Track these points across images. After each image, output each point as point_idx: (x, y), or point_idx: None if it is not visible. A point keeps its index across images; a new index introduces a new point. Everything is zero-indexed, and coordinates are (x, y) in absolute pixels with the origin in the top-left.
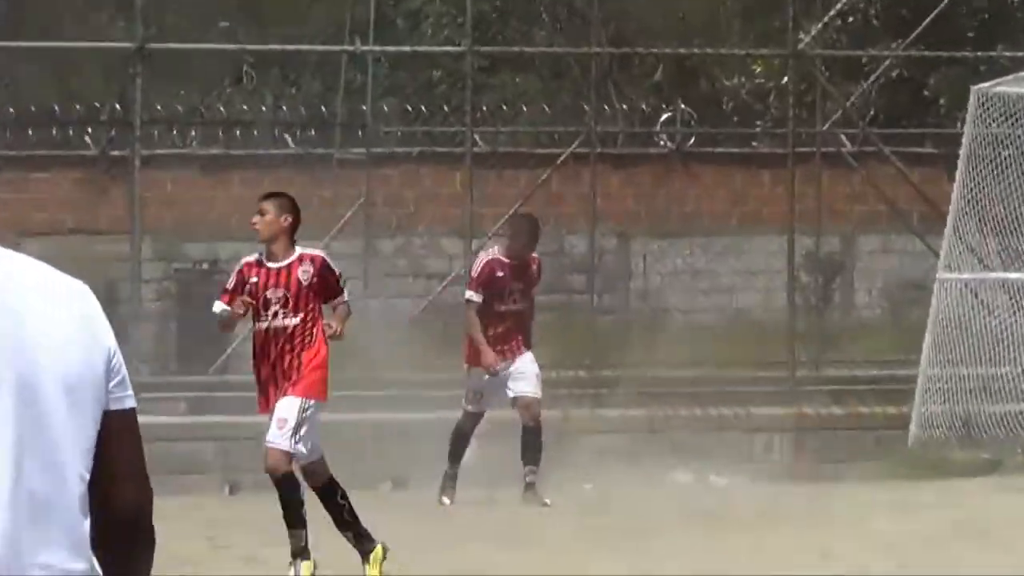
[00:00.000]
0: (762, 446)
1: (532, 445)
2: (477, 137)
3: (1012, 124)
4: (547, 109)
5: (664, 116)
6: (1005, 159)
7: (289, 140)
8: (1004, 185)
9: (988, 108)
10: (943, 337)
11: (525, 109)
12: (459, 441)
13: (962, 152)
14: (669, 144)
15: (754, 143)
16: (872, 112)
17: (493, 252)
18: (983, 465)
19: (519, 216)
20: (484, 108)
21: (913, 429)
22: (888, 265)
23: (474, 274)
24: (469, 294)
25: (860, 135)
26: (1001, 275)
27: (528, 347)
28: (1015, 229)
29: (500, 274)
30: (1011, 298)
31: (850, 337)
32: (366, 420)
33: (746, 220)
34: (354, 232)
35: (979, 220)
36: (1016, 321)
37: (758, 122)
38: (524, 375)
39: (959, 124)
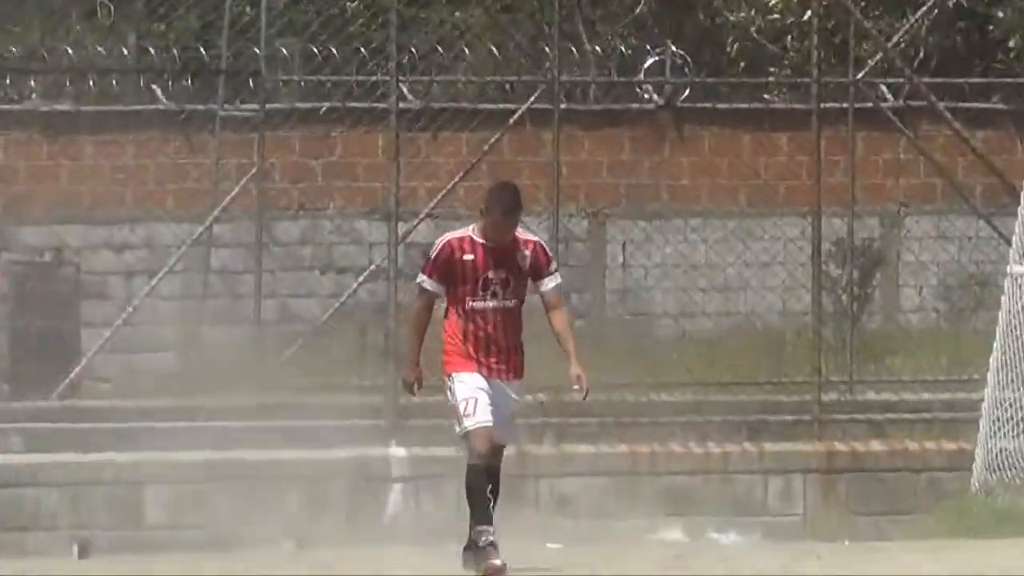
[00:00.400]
0: (779, 493)
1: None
2: (405, 89)
3: None
4: (496, 52)
5: (649, 61)
6: None
7: (158, 92)
8: None
9: None
10: (1017, 350)
11: (467, 52)
12: (475, 491)
13: None
14: (656, 98)
15: (767, 96)
16: (921, 56)
17: (469, 230)
18: None
19: (496, 186)
20: (413, 51)
21: (977, 470)
22: (943, 255)
23: (432, 253)
24: (420, 279)
25: (906, 86)
26: None
27: (519, 371)
28: None
29: (468, 257)
30: None
31: (894, 350)
32: (261, 459)
33: (758, 197)
34: (243, 212)
35: None
36: None
37: (772, 69)
38: (501, 413)
39: None
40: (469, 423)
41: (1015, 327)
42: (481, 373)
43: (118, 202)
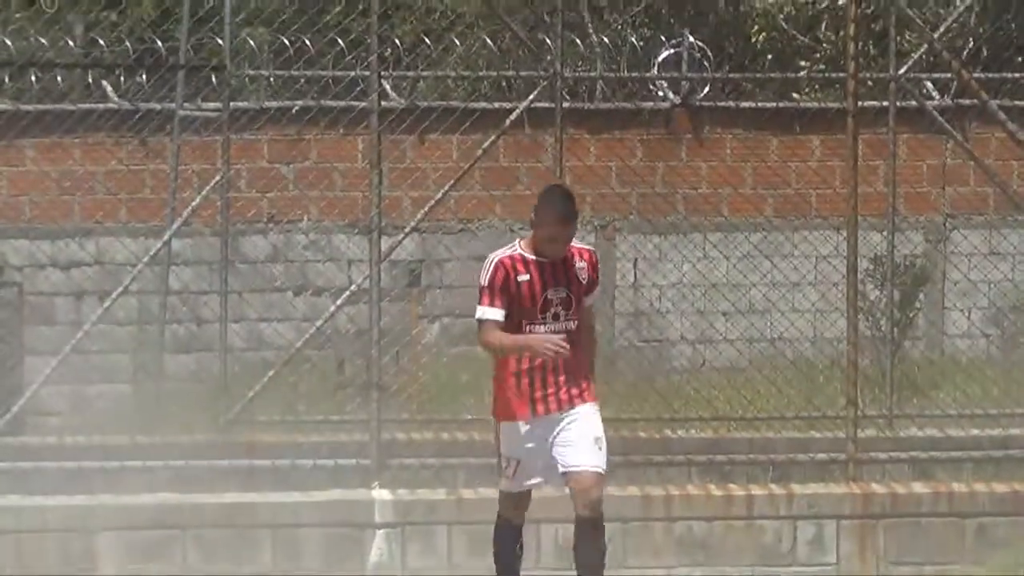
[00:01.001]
0: (809, 541)
1: (589, 549)
2: (387, 86)
3: None
4: (491, 44)
5: (664, 54)
6: None
7: (109, 89)
8: None
9: None
10: None
11: (458, 44)
12: (503, 553)
13: None
14: (671, 96)
15: (797, 94)
16: (971, 48)
17: (514, 247)
18: None
19: (548, 190)
20: (398, 43)
21: None
22: (995, 274)
23: (483, 281)
24: (482, 311)
25: (954, 82)
26: None
27: (589, 393)
28: None
29: (523, 278)
30: None
31: (939, 380)
32: (228, 503)
33: (786, 208)
34: (206, 225)
35: None
36: None
37: (803, 63)
38: (579, 438)
39: None
40: (505, 485)
41: None
42: (538, 413)
43: (64, 214)
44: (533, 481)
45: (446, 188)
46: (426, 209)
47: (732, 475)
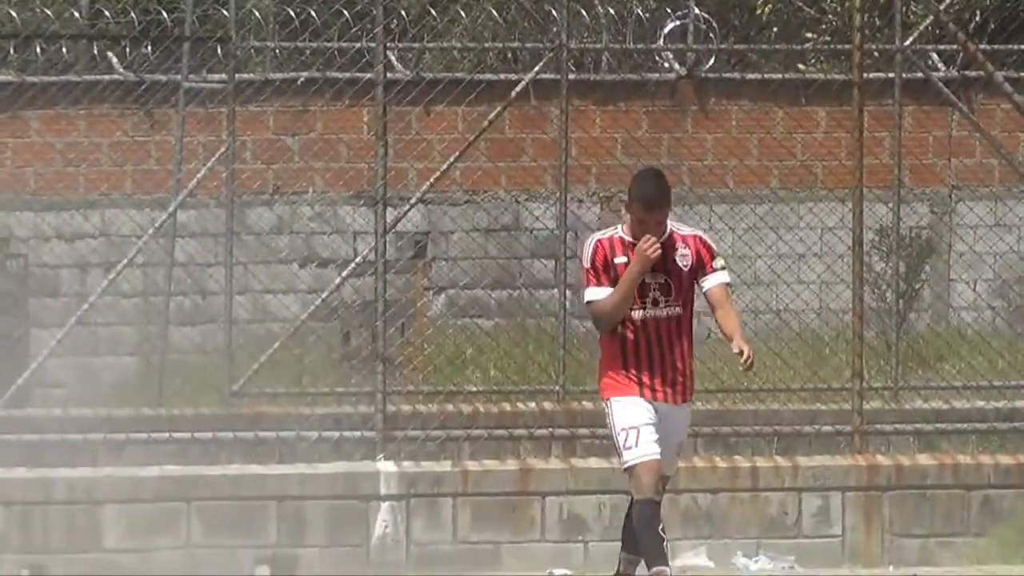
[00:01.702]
0: (815, 513)
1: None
2: (393, 57)
3: None
4: (496, 16)
5: (669, 26)
6: None
7: (114, 61)
8: None
9: None
10: None
11: (464, 16)
12: (644, 533)
13: None
14: (677, 67)
15: (803, 66)
16: (978, 19)
17: (616, 229)
18: None
19: (638, 174)
20: (403, 14)
21: None
22: (1001, 246)
23: (586, 263)
24: (590, 293)
25: (960, 54)
26: None
27: (690, 390)
28: None
29: (620, 260)
30: None
31: (945, 352)
32: (233, 475)
33: (792, 180)
34: (211, 197)
35: None
36: None
37: (809, 35)
38: (665, 442)
39: None
40: (631, 456)
41: None
42: (644, 396)
43: (69, 185)
44: (657, 447)
45: (451, 160)
46: (431, 180)
47: (737, 447)
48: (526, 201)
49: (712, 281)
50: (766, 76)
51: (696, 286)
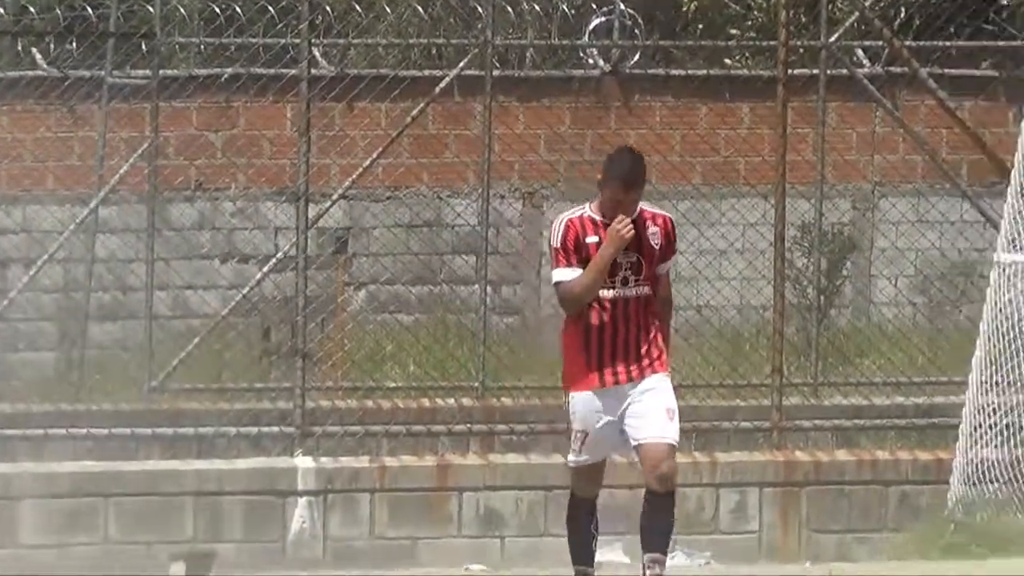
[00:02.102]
0: (732, 509)
1: (658, 523)
2: (317, 53)
3: None
4: (421, 12)
5: (595, 22)
6: None
7: (38, 57)
8: None
9: None
10: (1003, 348)
11: (389, 12)
12: (575, 531)
13: None
14: (601, 64)
15: (728, 62)
16: (902, 16)
17: (584, 209)
18: None
19: (615, 153)
20: (329, 10)
21: (955, 483)
22: (923, 242)
23: (556, 242)
24: (559, 274)
25: (885, 50)
26: None
27: (661, 362)
28: None
29: (592, 239)
30: None
31: (865, 348)
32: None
33: (715, 176)
34: (133, 192)
35: None
36: None
37: (734, 31)
38: (650, 409)
39: None
40: (572, 459)
41: (1001, 323)
42: (606, 383)
43: None
44: (600, 455)
45: (374, 156)
46: (354, 177)
47: None
48: (448, 197)
49: (665, 268)
50: (690, 72)
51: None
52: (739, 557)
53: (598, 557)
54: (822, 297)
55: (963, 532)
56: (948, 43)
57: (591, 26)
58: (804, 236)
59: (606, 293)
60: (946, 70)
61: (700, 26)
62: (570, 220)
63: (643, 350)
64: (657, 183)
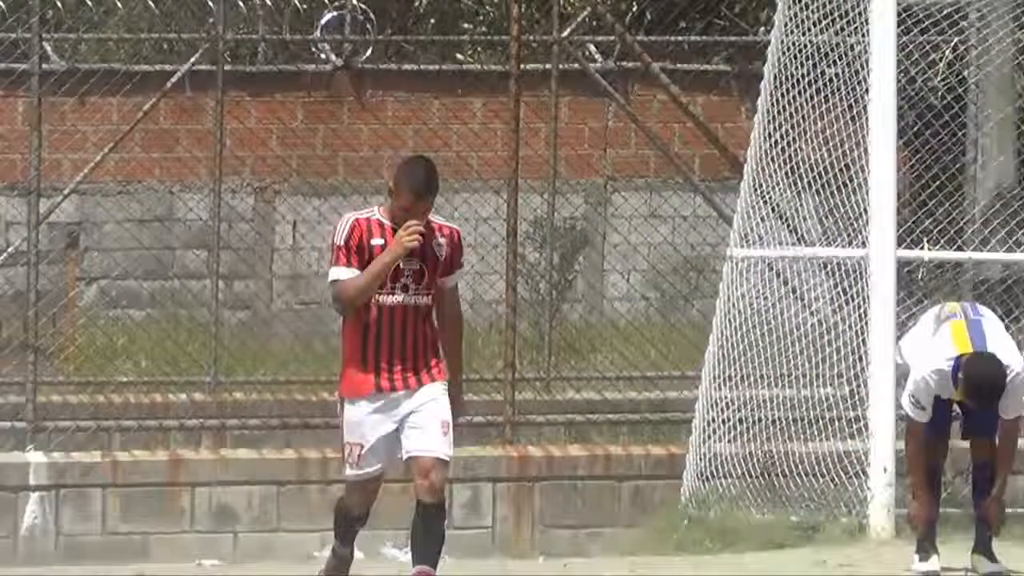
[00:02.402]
0: (465, 503)
1: (428, 534)
2: (49, 48)
3: (842, 28)
4: (153, 6)
5: (326, 17)
6: (831, 80)
7: None
8: (830, 118)
9: (807, 5)
10: (736, 343)
11: (120, 6)
12: (339, 522)
13: (767, 70)
14: (334, 59)
15: (460, 56)
16: (636, 10)
17: (372, 211)
18: (790, 532)
19: (408, 161)
20: (60, 5)
21: (688, 479)
22: (655, 237)
23: (339, 240)
24: (336, 272)
25: (617, 45)
26: (823, 251)
27: (439, 370)
28: (845, 184)
29: (377, 242)
30: (836, 286)
31: (598, 343)
32: None
33: (447, 171)
34: None
35: (791, 171)
36: (842, 319)
37: (466, 26)
38: (426, 422)
39: (764, 29)
40: (349, 472)
41: (734, 317)
42: (382, 388)
43: None
44: (378, 466)
45: (106, 150)
46: (85, 172)
47: None
48: (180, 192)
49: (453, 280)
50: (423, 67)
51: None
52: (472, 552)
53: (329, 551)
54: (554, 292)
55: (696, 527)
56: (680, 38)
57: (323, 21)
58: (536, 231)
59: (386, 299)
60: (678, 65)
61: (432, 21)
62: (357, 220)
63: (421, 359)
64: (390, 179)
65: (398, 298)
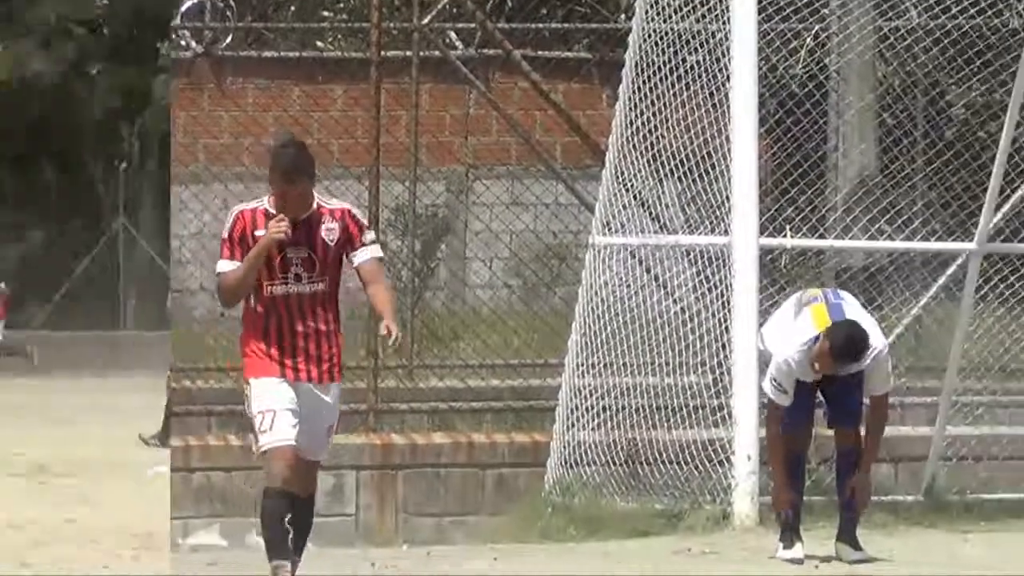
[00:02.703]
0: (328, 491)
1: (299, 525)
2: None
3: (703, 16)
4: None
5: (186, 4)
6: (692, 67)
7: None
8: (691, 106)
9: None
10: (599, 330)
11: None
12: (266, 519)
13: (628, 58)
14: (194, 46)
15: (320, 44)
16: None
17: (261, 201)
18: (654, 519)
19: (276, 146)
20: None
21: (552, 466)
22: (517, 224)
23: (224, 233)
24: (221, 265)
25: (478, 32)
26: (685, 239)
27: (338, 369)
28: (707, 172)
29: (262, 232)
30: (699, 273)
31: (461, 331)
32: None
33: None
34: None
35: (653, 158)
36: (705, 307)
37: (327, 13)
38: (317, 428)
39: (625, 17)
40: (265, 440)
41: (597, 305)
42: (286, 377)
43: None
44: (293, 432)
45: None
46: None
47: (235, 424)
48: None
49: (362, 256)
50: (283, 54)
51: (347, 260)
52: (336, 540)
53: (196, 539)
54: (417, 279)
55: (560, 515)
56: (541, 25)
57: (183, 8)
58: (398, 218)
59: (277, 289)
60: (539, 52)
61: (292, 8)
62: (241, 212)
63: (323, 351)
64: (251, 165)
65: (291, 288)
